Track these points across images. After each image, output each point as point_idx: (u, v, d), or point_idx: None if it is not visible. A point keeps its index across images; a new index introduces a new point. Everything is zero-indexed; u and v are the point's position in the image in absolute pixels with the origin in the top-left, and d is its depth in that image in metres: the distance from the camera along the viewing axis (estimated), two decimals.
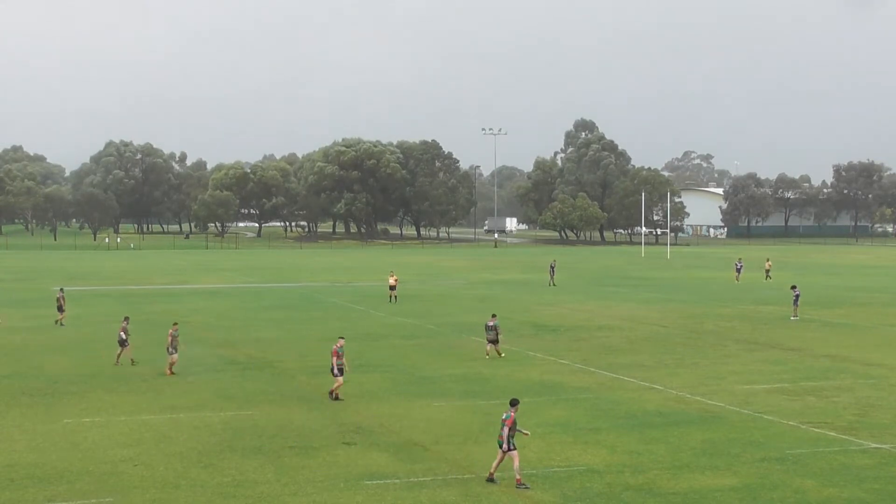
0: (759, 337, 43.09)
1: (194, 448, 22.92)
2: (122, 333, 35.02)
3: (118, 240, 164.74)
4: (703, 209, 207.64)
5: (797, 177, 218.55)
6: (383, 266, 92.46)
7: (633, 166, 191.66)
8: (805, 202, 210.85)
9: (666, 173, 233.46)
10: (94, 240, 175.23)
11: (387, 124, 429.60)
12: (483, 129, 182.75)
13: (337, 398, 28.39)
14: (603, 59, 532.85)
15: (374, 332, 44.77)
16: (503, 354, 36.67)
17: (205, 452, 22.52)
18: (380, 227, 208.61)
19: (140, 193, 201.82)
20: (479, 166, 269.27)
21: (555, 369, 34.35)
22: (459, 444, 23.33)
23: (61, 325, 46.71)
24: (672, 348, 39.49)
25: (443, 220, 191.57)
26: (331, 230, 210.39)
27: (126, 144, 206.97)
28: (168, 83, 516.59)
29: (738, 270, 78.88)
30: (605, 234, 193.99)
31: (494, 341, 36.53)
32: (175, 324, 34.19)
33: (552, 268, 75.64)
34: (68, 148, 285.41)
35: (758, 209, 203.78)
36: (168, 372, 32.71)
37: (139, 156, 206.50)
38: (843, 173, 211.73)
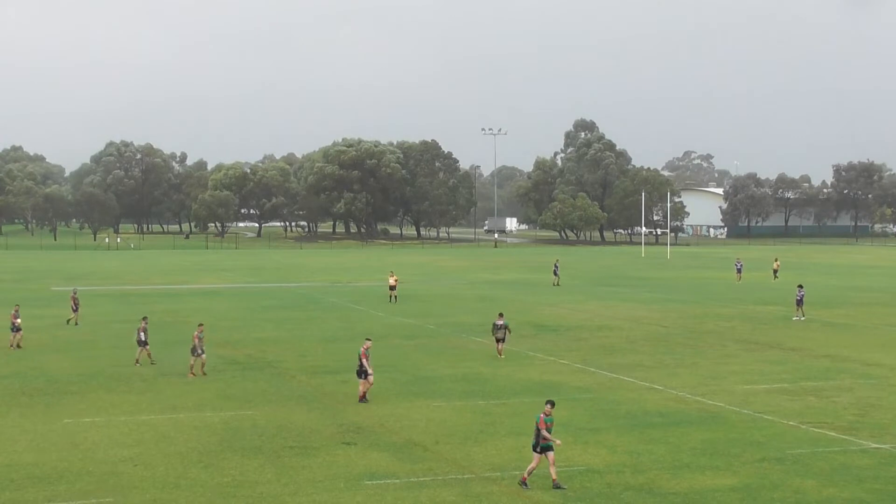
0: (759, 337, 43.10)
1: (194, 448, 22.92)
2: (141, 333, 34.92)
3: (118, 240, 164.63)
4: (703, 209, 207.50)
5: (797, 177, 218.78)
6: (383, 266, 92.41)
7: (634, 166, 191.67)
8: (805, 202, 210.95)
9: (666, 173, 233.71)
10: (94, 240, 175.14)
11: (387, 124, 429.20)
12: (483, 129, 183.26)
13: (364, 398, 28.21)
14: (603, 59, 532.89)
15: (374, 332, 44.67)
16: (503, 356, 36.66)
17: (205, 452, 22.52)
18: (380, 227, 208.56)
19: (140, 193, 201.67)
20: (479, 166, 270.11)
21: (555, 369, 34.36)
22: (459, 444, 23.33)
23: (75, 324, 46.86)
24: (672, 348, 39.51)
25: (443, 220, 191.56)
26: (331, 230, 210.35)
27: (126, 144, 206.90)
28: (168, 83, 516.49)
29: (739, 270, 78.92)
30: (606, 234, 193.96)
31: (502, 339, 36.57)
32: (200, 325, 33.84)
33: (556, 267, 75.62)
34: (68, 148, 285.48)
35: (758, 209, 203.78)
36: (191, 374, 32.21)
37: (139, 156, 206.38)
38: (843, 173, 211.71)
